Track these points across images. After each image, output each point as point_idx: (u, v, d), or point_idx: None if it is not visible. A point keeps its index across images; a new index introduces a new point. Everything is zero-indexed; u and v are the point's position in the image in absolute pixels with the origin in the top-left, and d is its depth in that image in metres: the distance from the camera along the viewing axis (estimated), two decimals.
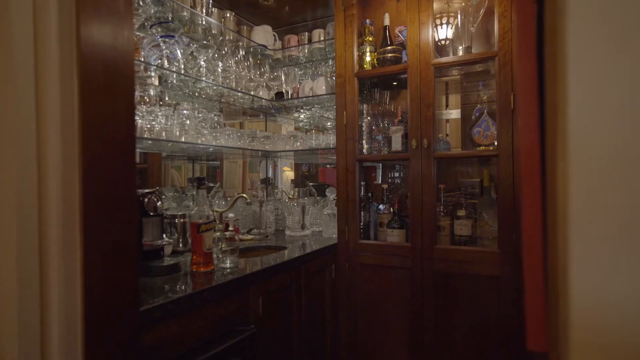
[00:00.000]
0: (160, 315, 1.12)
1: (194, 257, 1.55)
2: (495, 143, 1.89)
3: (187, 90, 2.20)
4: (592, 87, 0.44)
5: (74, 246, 0.83)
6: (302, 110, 2.81)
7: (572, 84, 0.44)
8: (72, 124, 0.83)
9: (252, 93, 2.48)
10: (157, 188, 1.60)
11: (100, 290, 0.88)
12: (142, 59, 1.80)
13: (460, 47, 2.00)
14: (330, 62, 2.65)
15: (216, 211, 1.99)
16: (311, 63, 2.73)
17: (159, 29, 1.84)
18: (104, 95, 0.89)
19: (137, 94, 1.80)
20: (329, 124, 2.85)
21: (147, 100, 1.89)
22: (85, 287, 0.85)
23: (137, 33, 1.80)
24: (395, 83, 2.42)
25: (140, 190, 1.54)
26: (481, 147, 1.97)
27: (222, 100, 2.46)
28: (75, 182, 0.84)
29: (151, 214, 1.53)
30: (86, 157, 0.85)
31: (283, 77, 2.67)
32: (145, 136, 1.81)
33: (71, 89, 0.83)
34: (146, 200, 1.51)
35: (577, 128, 0.43)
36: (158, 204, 1.55)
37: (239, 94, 2.39)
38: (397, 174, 2.58)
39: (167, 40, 1.81)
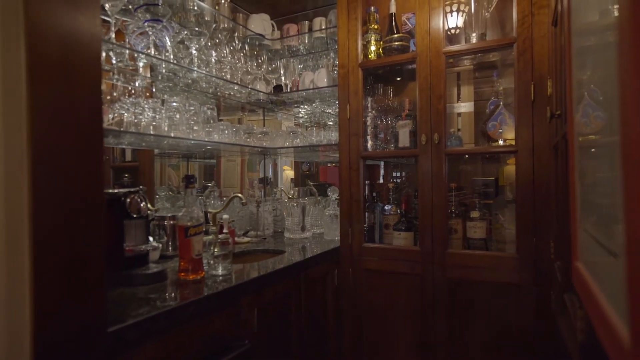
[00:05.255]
0: (136, 336, 0.97)
1: (182, 263, 1.39)
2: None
3: (180, 84, 2.04)
4: None
5: (21, 265, 0.68)
6: (302, 106, 2.64)
7: None
8: (18, 109, 0.67)
9: (249, 86, 2.32)
10: (142, 187, 1.44)
11: (55, 316, 0.72)
12: (128, 46, 1.64)
13: (474, 34, 1.84)
14: (332, 54, 2.49)
15: (210, 212, 1.84)
16: (312, 55, 2.57)
17: (146, 14, 1.68)
18: (61, 75, 0.73)
19: (120, 84, 1.64)
20: (330, 121, 2.68)
21: (134, 92, 1.73)
22: (36, 317, 0.69)
23: (122, 18, 1.64)
24: (399, 78, 2.28)
25: (123, 190, 1.38)
26: (497, 142, 1.81)
27: (218, 93, 2.30)
28: (24, 182, 0.68)
29: (134, 215, 1.37)
30: (37, 150, 0.69)
31: (282, 70, 2.50)
32: (132, 130, 1.65)
33: (17, 63, 0.67)
34: (128, 200, 1.36)
35: None
36: (142, 204, 1.40)
37: (235, 87, 2.23)
38: (399, 173, 2.42)
39: (154, 25, 1.65)
